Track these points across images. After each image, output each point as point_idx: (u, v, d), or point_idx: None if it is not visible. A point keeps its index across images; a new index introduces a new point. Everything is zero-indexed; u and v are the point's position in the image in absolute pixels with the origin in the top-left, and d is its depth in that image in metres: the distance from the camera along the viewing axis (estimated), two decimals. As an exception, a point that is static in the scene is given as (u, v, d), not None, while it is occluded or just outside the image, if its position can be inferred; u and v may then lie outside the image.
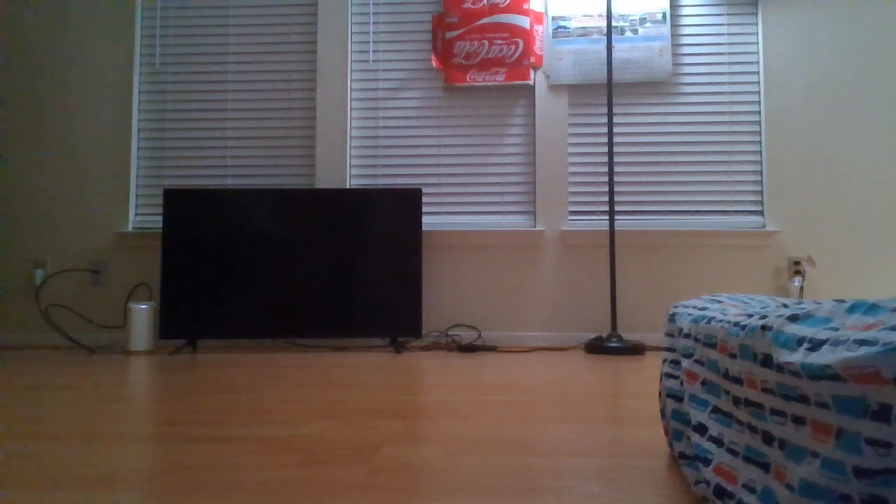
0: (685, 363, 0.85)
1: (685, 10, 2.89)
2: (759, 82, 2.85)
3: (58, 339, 2.89)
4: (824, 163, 2.79)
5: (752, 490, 0.61)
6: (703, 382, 0.79)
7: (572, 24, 2.88)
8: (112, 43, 3.00)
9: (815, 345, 0.51)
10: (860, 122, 2.79)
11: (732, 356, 0.67)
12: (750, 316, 0.67)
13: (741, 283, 2.77)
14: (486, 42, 2.89)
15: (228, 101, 3.00)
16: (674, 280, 2.80)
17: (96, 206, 2.95)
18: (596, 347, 2.50)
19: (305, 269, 2.65)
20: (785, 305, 0.78)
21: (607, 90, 2.74)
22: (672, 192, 2.85)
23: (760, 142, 2.83)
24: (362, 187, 2.80)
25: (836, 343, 0.48)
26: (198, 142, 3.00)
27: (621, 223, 2.86)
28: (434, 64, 2.93)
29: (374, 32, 2.99)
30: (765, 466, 0.60)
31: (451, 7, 2.92)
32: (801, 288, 2.73)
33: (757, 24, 2.86)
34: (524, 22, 2.87)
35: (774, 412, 0.57)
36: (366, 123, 2.97)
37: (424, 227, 2.87)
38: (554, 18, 2.90)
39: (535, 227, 2.86)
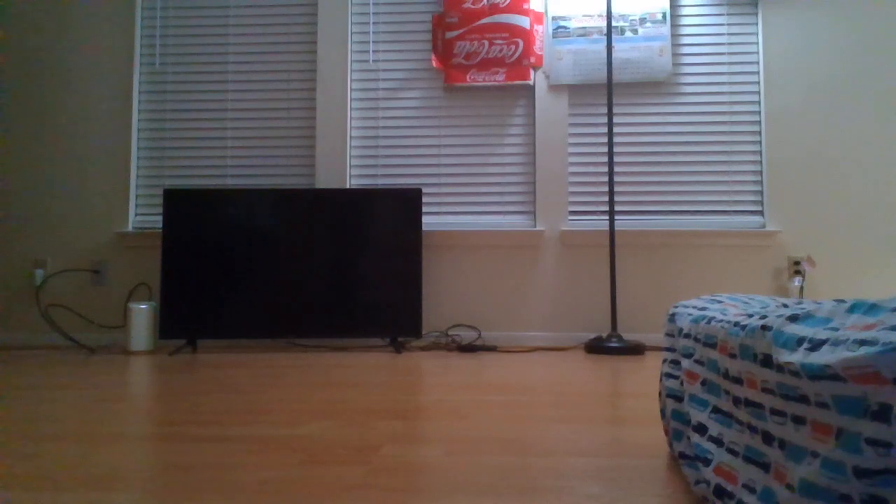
0: (685, 363, 0.85)
1: (685, 10, 2.89)
2: (759, 82, 2.85)
3: (58, 339, 2.89)
4: (824, 163, 2.79)
5: (752, 490, 0.61)
6: (703, 382, 0.79)
7: (572, 24, 2.88)
8: (112, 43, 3.00)
9: (815, 345, 0.51)
10: (860, 122, 2.79)
11: (732, 356, 0.67)
12: (750, 316, 0.67)
13: (741, 283, 2.77)
14: (486, 42, 2.89)
15: (228, 101, 3.00)
16: (674, 280, 2.80)
17: (96, 206, 2.95)
18: (596, 347, 2.50)
19: (305, 269, 2.65)
20: (785, 305, 0.78)
21: (607, 90, 2.74)
22: (672, 192, 2.85)
23: (760, 142, 2.83)
24: (362, 187, 2.80)
25: (836, 343, 0.48)
26: (198, 142, 3.00)
27: (621, 223, 2.86)
28: (434, 64, 2.93)
29: (374, 32, 2.99)
30: (765, 466, 0.60)
31: (451, 7, 2.92)
32: (801, 288, 2.73)
33: (757, 24, 2.86)
34: (524, 22, 2.87)
35: (774, 412, 0.57)
36: (366, 123, 2.97)
37: (424, 227, 2.87)
38: (554, 18, 2.90)
39: (535, 227, 2.86)
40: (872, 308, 0.50)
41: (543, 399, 1.51)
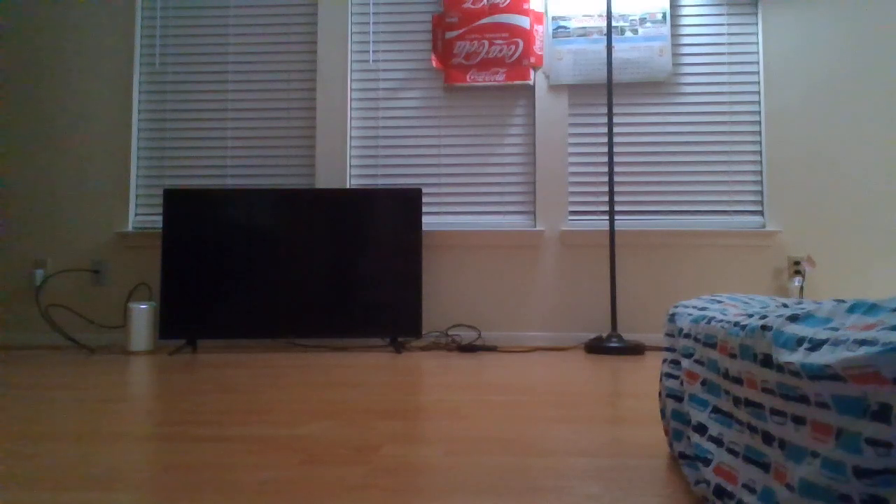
0: (685, 363, 0.85)
1: (685, 10, 2.89)
2: (759, 82, 2.85)
3: (58, 339, 2.89)
4: (824, 163, 2.79)
5: (752, 490, 0.61)
6: (703, 382, 0.79)
7: (572, 24, 2.88)
8: (112, 43, 3.00)
9: (815, 345, 0.51)
10: (860, 122, 2.79)
11: (732, 356, 0.67)
12: (750, 316, 0.67)
13: (741, 283, 2.77)
14: (486, 42, 2.89)
15: (228, 101, 3.00)
16: (674, 280, 2.80)
17: (96, 206, 2.95)
18: (596, 347, 2.50)
19: (305, 269, 2.65)
20: (785, 305, 0.78)
21: (607, 90, 2.74)
22: (672, 192, 2.85)
23: (760, 142, 2.83)
24: (362, 187, 2.80)
25: (836, 343, 0.48)
26: (198, 142, 3.00)
27: (621, 223, 2.86)
28: (434, 64, 2.93)
29: (374, 32, 2.99)
30: (765, 466, 0.60)
31: (451, 7, 2.92)
32: (801, 288, 2.73)
33: (757, 24, 2.86)
34: (524, 22, 2.87)
35: (774, 412, 0.57)
36: (366, 123, 2.97)
37: (424, 227, 2.87)
38: (554, 18, 2.90)
39: (535, 227, 2.86)
40: (872, 308, 0.50)
41: (543, 399, 1.51)
